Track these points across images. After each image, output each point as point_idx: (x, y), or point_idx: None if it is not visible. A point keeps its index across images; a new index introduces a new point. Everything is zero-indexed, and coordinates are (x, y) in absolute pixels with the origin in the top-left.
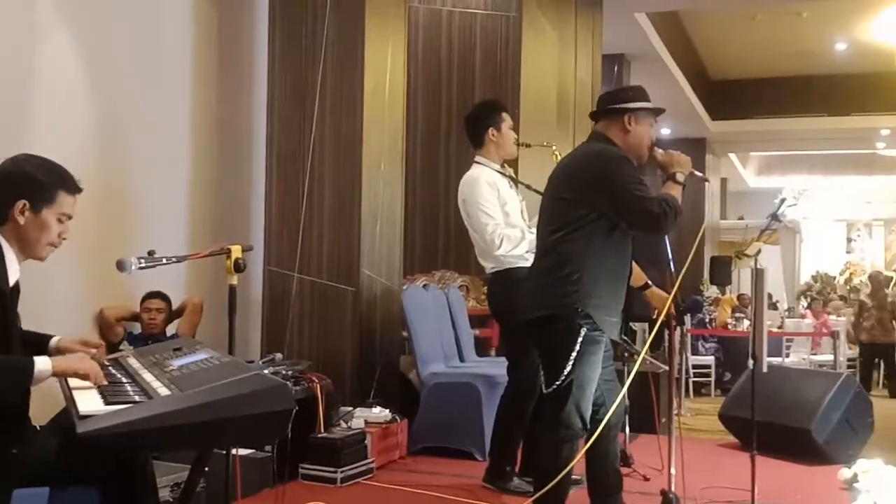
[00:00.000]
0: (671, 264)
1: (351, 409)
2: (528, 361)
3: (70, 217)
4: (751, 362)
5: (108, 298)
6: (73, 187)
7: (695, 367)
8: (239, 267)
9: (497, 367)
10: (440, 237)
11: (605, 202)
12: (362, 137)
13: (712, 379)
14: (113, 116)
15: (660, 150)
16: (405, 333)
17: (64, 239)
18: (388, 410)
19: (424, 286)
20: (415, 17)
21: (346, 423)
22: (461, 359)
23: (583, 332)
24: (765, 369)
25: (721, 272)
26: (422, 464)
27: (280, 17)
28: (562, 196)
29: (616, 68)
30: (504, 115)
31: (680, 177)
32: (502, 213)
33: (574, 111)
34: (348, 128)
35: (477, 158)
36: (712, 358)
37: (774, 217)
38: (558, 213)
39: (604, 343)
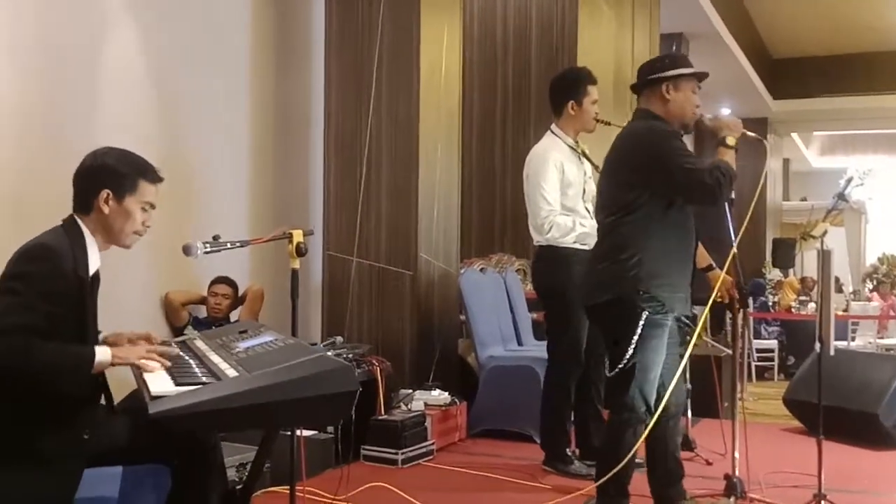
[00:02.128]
0: (734, 246)
1: (410, 391)
2: (567, 337)
3: (153, 206)
4: (817, 346)
5: (173, 283)
6: (153, 176)
7: (758, 350)
8: (301, 251)
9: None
10: (496, 220)
11: (656, 181)
12: (418, 121)
13: (775, 363)
14: (175, 105)
15: (708, 116)
16: (463, 317)
17: (148, 227)
18: (447, 393)
19: (482, 269)
20: (470, 1)
21: (406, 405)
22: (519, 342)
23: (644, 314)
24: (832, 353)
25: (784, 255)
26: (481, 446)
27: (336, 1)
28: (612, 180)
29: (674, 47)
30: (590, 88)
31: (731, 140)
32: (561, 196)
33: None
34: (404, 111)
35: (552, 128)
36: (775, 342)
37: (841, 197)
38: (612, 198)
39: (667, 327)
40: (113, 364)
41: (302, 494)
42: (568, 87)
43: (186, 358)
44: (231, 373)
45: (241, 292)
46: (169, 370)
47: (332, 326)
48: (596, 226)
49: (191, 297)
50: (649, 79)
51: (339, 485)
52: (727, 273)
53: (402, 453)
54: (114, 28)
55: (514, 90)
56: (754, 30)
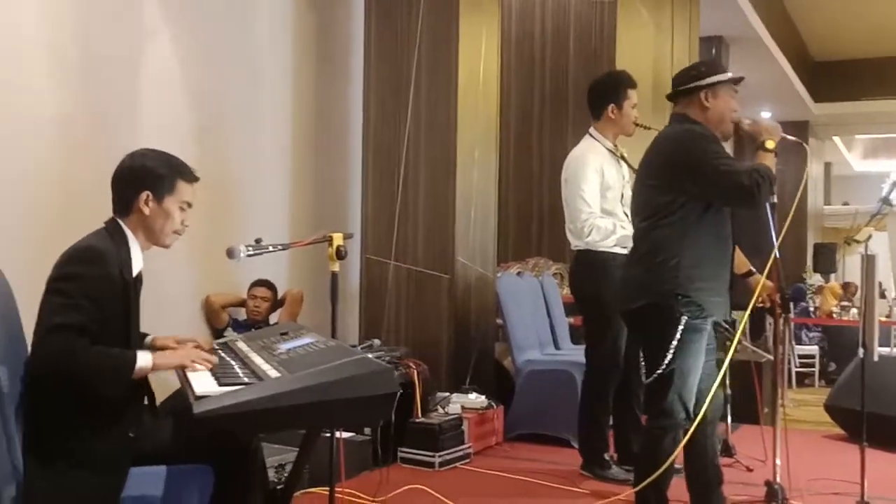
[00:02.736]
0: (777, 251)
1: (448, 394)
2: (606, 343)
3: (190, 205)
4: (861, 352)
5: (213, 285)
6: (190, 176)
7: (798, 356)
8: (341, 254)
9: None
10: (533, 224)
11: (693, 184)
12: (457, 126)
13: (816, 369)
14: (216, 111)
15: (746, 120)
16: (499, 321)
17: (186, 226)
18: (483, 396)
19: (518, 273)
20: (508, 4)
21: (444, 408)
22: (556, 346)
23: (683, 319)
24: (875, 359)
25: (825, 259)
26: (518, 450)
27: (375, 8)
28: (649, 183)
29: (714, 51)
30: (630, 91)
31: (770, 144)
32: (601, 199)
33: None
34: (443, 116)
35: (591, 131)
36: (816, 348)
37: (886, 201)
38: (648, 201)
39: (706, 332)
40: (153, 370)
41: (341, 496)
42: (608, 90)
43: (228, 359)
44: (273, 373)
45: (280, 295)
46: (212, 371)
47: (369, 329)
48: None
49: (230, 300)
50: (689, 86)
51: (378, 487)
52: (768, 278)
53: (440, 456)
54: (154, 36)
55: (551, 95)
56: (795, 32)
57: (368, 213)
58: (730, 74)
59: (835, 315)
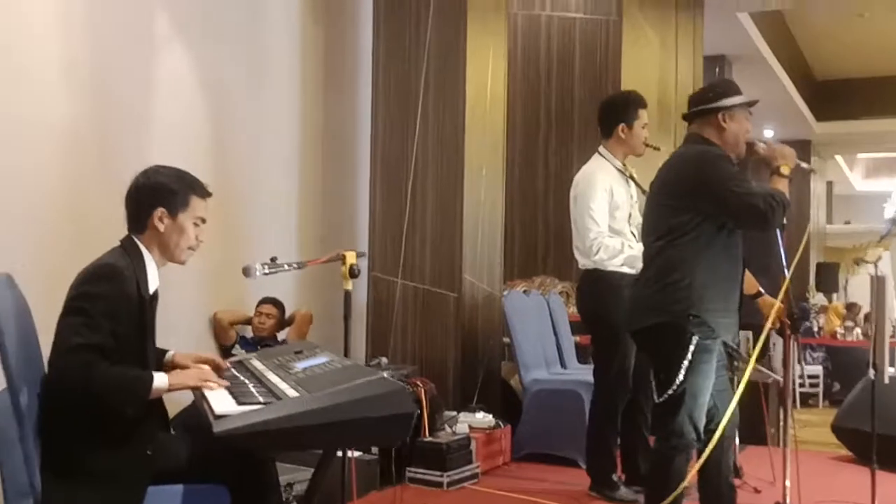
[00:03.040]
0: (786, 270)
1: (455, 413)
2: (614, 363)
3: (204, 220)
4: (871, 372)
5: (221, 302)
6: (203, 192)
7: (800, 377)
8: (354, 272)
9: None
10: (539, 243)
11: (708, 204)
12: (464, 143)
13: (820, 390)
14: (225, 125)
15: (762, 144)
16: (506, 339)
17: (201, 242)
18: (491, 416)
19: (525, 292)
20: (514, 23)
21: (451, 427)
22: (563, 365)
23: (695, 339)
24: (886, 381)
25: (828, 279)
26: (526, 470)
27: (384, 25)
28: (663, 203)
29: (717, 70)
30: (641, 112)
31: (785, 170)
32: (609, 218)
33: (675, 114)
34: (450, 134)
35: (600, 150)
36: (819, 368)
37: (895, 222)
38: (661, 221)
39: (716, 352)
40: (170, 390)
41: None
42: (619, 109)
43: (243, 378)
44: (291, 393)
45: (287, 314)
46: (230, 390)
47: (376, 347)
48: (642, 249)
49: (237, 318)
50: (706, 108)
51: None
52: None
53: (448, 476)
54: (164, 49)
55: (557, 113)
56: (798, 51)
57: (376, 231)
58: (745, 97)
59: (839, 335)
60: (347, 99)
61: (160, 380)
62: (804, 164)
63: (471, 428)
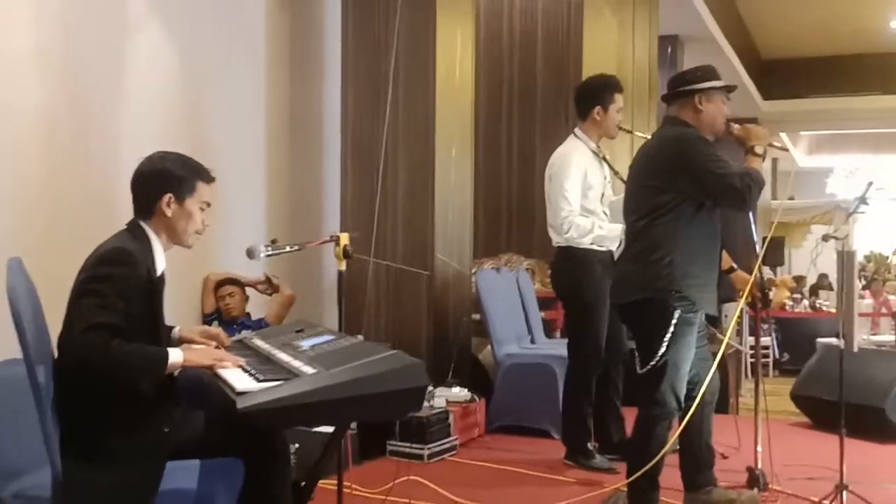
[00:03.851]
0: (757, 246)
1: (431, 388)
2: (588, 336)
3: (209, 205)
4: (841, 342)
5: (190, 285)
6: (207, 177)
7: (753, 348)
8: (347, 253)
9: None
10: (503, 221)
11: (688, 184)
12: (435, 124)
13: (770, 360)
14: (196, 109)
15: (736, 125)
16: (475, 316)
17: (207, 226)
18: (466, 390)
19: (496, 269)
20: (477, 4)
21: (429, 402)
22: (532, 340)
23: (677, 314)
24: (855, 349)
25: (774, 253)
26: (501, 442)
27: (353, 6)
28: (644, 184)
29: (670, 50)
30: (617, 96)
31: (759, 149)
32: (581, 198)
33: (632, 94)
34: (421, 115)
35: (576, 131)
36: (769, 339)
37: (862, 200)
38: (643, 201)
39: (697, 324)
40: (184, 366)
41: (333, 488)
42: (596, 93)
43: (251, 357)
44: (308, 370)
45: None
46: (244, 368)
47: (350, 325)
48: (614, 229)
49: (221, 277)
50: (683, 90)
51: (373, 479)
52: (749, 273)
53: (428, 448)
54: (136, 32)
55: (519, 93)
56: (746, 31)
57: (347, 211)
58: (723, 82)
59: (787, 307)
60: (316, 81)
61: (175, 356)
62: (777, 144)
63: (447, 402)
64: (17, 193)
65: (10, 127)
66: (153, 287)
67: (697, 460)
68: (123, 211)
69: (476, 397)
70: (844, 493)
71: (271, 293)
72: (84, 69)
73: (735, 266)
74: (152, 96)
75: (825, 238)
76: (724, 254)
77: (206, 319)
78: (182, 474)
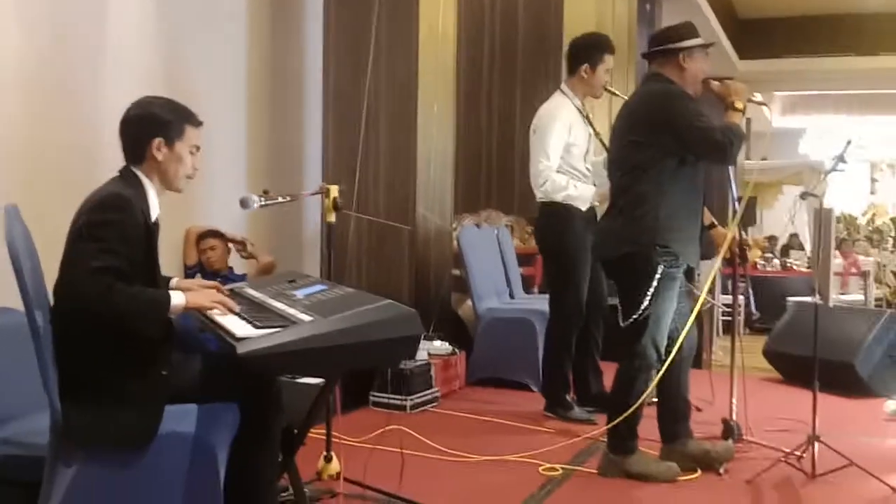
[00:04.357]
0: (736, 203)
1: None
2: (569, 291)
3: (198, 148)
4: (817, 298)
5: (171, 237)
6: (195, 120)
7: (727, 305)
8: (337, 205)
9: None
10: (482, 177)
11: (671, 139)
12: (417, 80)
13: (742, 318)
14: (176, 60)
15: (715, 82)
16: (456, 271)
17: (196, 169)
18: (447, 343)
19: (477, 225)
20: None
21: None
22: (511, 296)
23: (660, 268)
24: (831, 305)
25: (747, 213)
26: (481, 394)
27: None
28: (628, 139)
29: (649, 7)
30: (607, 57)
31: (739, 104)
32: (565, 153)
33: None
34: (403, 69)
35: (562, 87)
36: (741, 297)
37: (840, 159)
38: (627, 156)
39: (679, 279)
40: (186, 308)
41: (319, 436)
42: (586, 50)
43: (247, 305)
44: (305, 317)
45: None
46: (240, 315)
47: (332, 279)
48: (586, 192)
49: (202, 230)
50: (667, 48)
51: (356, 428)
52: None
53: (411, 399)
54: None
55: (501, 49)
56: None
57: (329, 165)
58: (703, 40)
59: (759, 266)
60: (297, 34)
61: (178, 298)
62: (756, 100)
63: (429, 355)
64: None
65: None
66: (149, 232)
67: (674, 413)
68: (107, 157)
69: (457, 350)
70: (816, 443)
71: (246, 257)
72: (65, 16)
73: (716, 222)
74: (133, 43)
75: (803, 196)
76: (705, 210)
77: (189, 272)
78: (179, 418)
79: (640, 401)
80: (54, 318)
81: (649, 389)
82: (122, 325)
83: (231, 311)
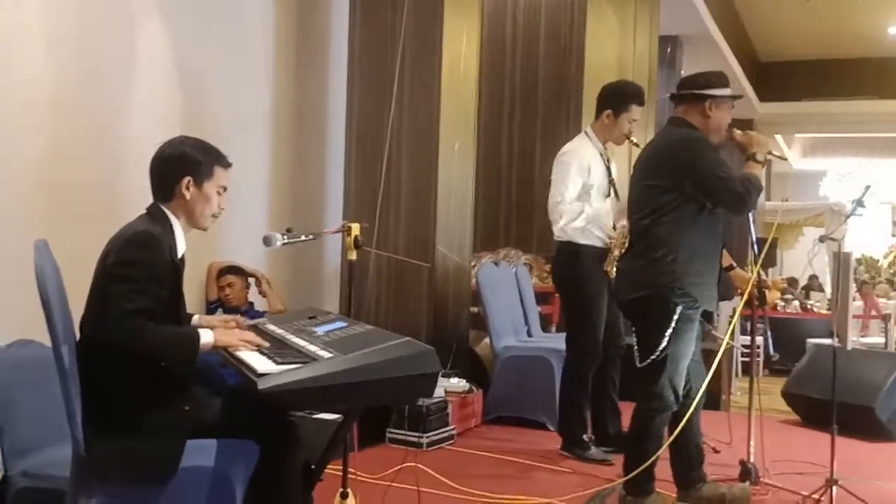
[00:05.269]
0: (755, 246)
1: None
2: (586, 330)
3: (225, 189)
4: (835, 340)
5: (194, 272)
6: (225, 162)
7: (744, 346)
8: (358, 243)
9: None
10: (502, 216)
11: (691, 185)
12: (439, 120)
13: (761, 359)
14: (201, 101)
15: (738, 132)
16: (474, 309)
17: (222, 209)
18: (464, 381)
19: (495, 263)
20: (481, 4)
21: None
22: (529, 333)
23: (679, 310)
24: (849, 347)
25: (767, 254)
26: (497, 432)
27: (360, 6)
28: (648, 183)
29: (669, 50)
30: (633, 107)
31: (760, 156)
32: (582, 192)
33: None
34: (426, 110)
35: (587, 129)
36: (760, 338)
37: (859, 203)
38: (647, 200)
39: (696, 322)
40: (215, 347)
41: (335, 472)
42: (612, 97)
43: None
44: (325, 354)
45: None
46: (261, 351)
47: (351, 316)
48: (604, 206)
49: (223, 265)
50: (696, 93)
51: (374, 465)
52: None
53: (427, 437)
54: (146, 19)
55: (521, 90)
56: (744, 33)
57: (350, 202)
58: (732, 91)
59: (779, 307)
60: (322, 73)
61: (206, 336)
62: (776, 153)
63: (446, 392)
64: (25, 174)
65: (20, 108)
66: (176, 269)
67: (687, 460)
68: (129, 193)
69: (474, 388)
70: (834, 487)
71: (262, 294)
72: (94, 53)
73: (734, 264)
74: (159, 83)
75: (822, 239)
76: (724, 252)
77: (211, 307)
78: (199, 452)
79: (661, 449)
80: (80, 351)
81: (670, 440)
82: (152, 362)
83: (258, 348)
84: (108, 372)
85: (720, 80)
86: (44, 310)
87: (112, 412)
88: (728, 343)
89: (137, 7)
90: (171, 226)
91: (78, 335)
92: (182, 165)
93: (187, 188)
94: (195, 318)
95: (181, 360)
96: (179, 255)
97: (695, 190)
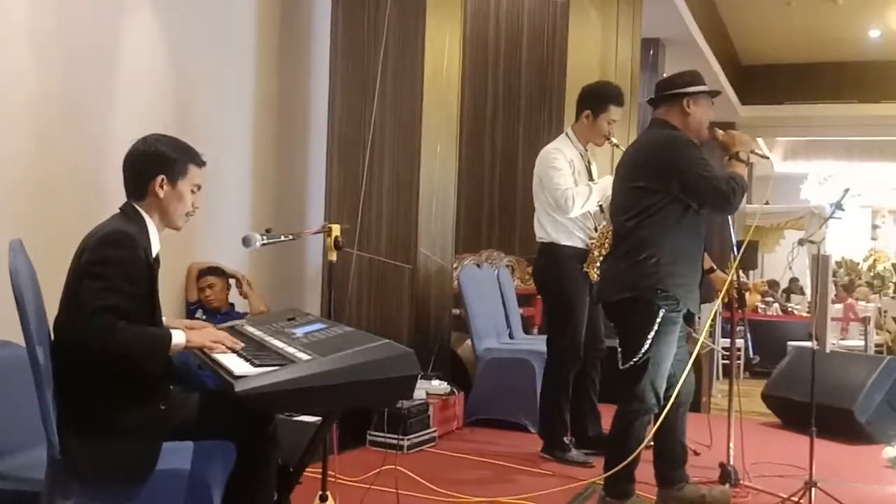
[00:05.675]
0: (735, 248)
1: None
2: (567, 332)
3: (199, 188)
4: (814, 344)
5: (173, 273)
6: (199, 160)
7: (724, 349)
8: (338, 244)
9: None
10: (484, 217)
11: (676, 186)
12: (422, 121)
13: (741, 362)
14: (186, 95)
15: (720, 131)
16: (456, 311)
17: (197, 208)
18: (446, 383)
19: (477, 265)
20: (463, 6)
21: None
22: (511, 336)
23: (661, 312)
24: (828, 350)
25: (747, 256)
26: (479, 434)
27: (343, 2)
28: (634, 185)
29: (651, 52)
30: (611, 107)
31: (743, 155)
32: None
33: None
34: (408, 112)
35: (567, 130)
36: (740, 341)
37: (838, 206)
38: (631, 201)
39: (679, 324)
40: (187, 347)
41: (314, 475)
42: (591, 98)
43: (247, 344)
44: (303, 356)
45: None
46: (239, 353)
47: (332, 317)
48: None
49: (203, 266)
50: (672, 93)
51: (353, 468)
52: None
53: (408, 439)
54: (128, 17)
55: (504, 92)
56: (727, 37)
57: (332, 204)
58: (709, 87)
59: (759, 310)
60: (304, 73)
61: (178, 337)
62: (759, 152)
63: (427, 394)
64: (6, 172)
65: (2, 105)
66: (151, 269)
67: (671, 458)
68: (112, 191)
69: (455, 390)
70: (813, 489)
71: (243, 296)
72: (76, 50)
73: (715, 267)
74: (142, 80)
75: (801, 242)
76: (705, 254)
77: (191, 308)
78: (175, 454)
79: (640, 447)
80: (55, 352)
81: (648, 437)
82: (123, 362)
83: (231, 349)
84: (82, 372)
85: (695, 78)
86: (18, 310)
87: (87, 413)
88: (706, 345)
89: (121, 4)
90: (145, 225)
91: (53, 336)
92: (156, 163)
93: (161, 186)
94: (164, 321)
95: (153, 359)
96: (154, 255)
97: (679, 190)
